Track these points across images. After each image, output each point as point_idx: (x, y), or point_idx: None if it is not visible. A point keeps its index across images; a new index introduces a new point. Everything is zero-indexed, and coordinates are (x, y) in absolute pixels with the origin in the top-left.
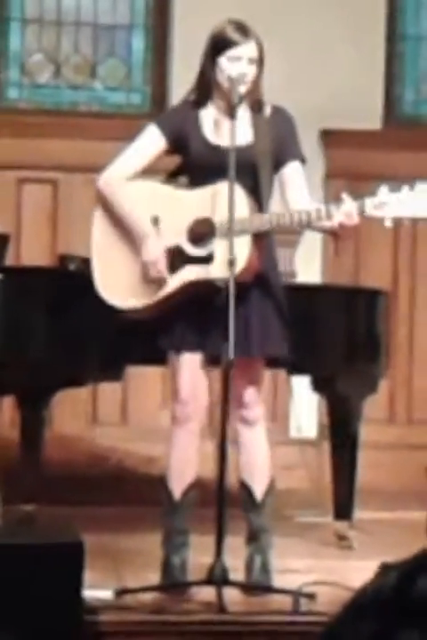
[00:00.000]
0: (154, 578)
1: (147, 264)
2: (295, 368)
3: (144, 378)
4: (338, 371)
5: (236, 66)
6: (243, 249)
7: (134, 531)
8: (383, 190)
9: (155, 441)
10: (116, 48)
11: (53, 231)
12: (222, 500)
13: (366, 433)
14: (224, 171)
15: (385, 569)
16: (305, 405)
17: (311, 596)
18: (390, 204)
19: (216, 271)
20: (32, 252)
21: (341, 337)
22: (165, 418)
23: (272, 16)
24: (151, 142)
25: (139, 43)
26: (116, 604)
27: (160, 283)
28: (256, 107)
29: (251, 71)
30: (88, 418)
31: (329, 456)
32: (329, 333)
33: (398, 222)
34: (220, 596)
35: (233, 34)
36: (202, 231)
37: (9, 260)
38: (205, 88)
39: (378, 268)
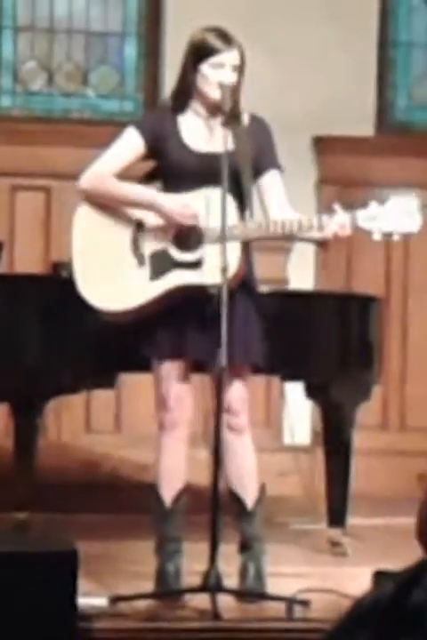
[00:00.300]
0: (148, 585)
1: (172, 209)
2: (289, 375)
3: (138, 385)
4: (331, 377)
5: (219, 73)
6: (234, 255)
7: (128, 538)
8: (374, 204)
9: (148, 448)
10: (108, 55)
11: (47, 238)
12: (216, 507)
13: (360, 439)
14: (204, 177)
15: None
16: (298, 412)
17: (305, 603)
18: (379, 218)
19: (207, 277)
20: (25, 260)
21: (334, 343)
22: None
23: (263, 23)
24: (130, 145)
25: (131, 50)
26: (110, 612)
27: (195, 218)
28: (234, 114)
29: (234, 78)
30: (82, 425)
31: (323, 463)
32: (322, 340)
33: (387, 236)
34: (214, 603)
35: (215, 41)
36: (189, 236)
37: (2, 268)
38: (185, 94)
39: (370, 274)
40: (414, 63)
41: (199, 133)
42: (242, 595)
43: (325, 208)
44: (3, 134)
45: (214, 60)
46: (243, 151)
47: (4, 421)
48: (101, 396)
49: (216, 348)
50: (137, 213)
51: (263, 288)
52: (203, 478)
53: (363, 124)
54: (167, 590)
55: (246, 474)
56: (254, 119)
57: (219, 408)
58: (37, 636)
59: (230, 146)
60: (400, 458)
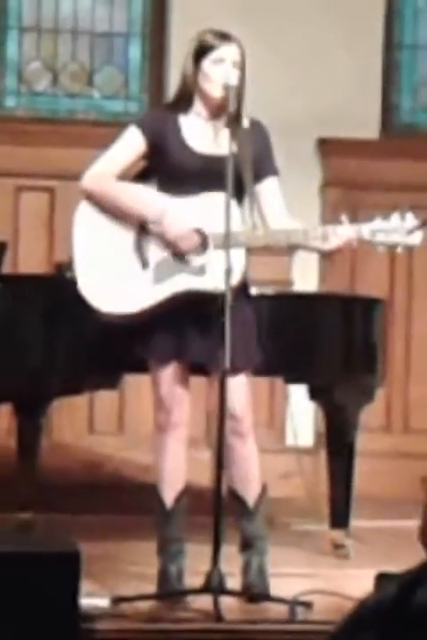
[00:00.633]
0: (150, 586)
1: (176, 239)
2: (292, 376)
3: (141, 386)
4: (335, 379)
5: (220, 68)
6: (238, 261)
7: (131, 539)
8: (378, 220)
9: (151, 449)
10: (113, 56)
11: (51, 239)
12: (219, 508)
13: (363, 441)
14: (205, 179)
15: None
16: (302, 414)
17: (308, 605)
18: (384, 232)
19: (211, 282)
20: (29, 260)
21: (337, 345)
22: None
23: (269, 25)
24: (132, 144)
25: (136, 51)
26: (112, 613)
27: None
28: (236, 116)
29: (235, 74)
30: (85, 426)
31: (326, 464)
32: (326, 342)
33: (391, 249)
34: (216, 604)
35: (214, 38)
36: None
37: (6, 268)
38: (187, 95)
39: (375, 276)
40: (420, 66)
41: (201, 135)
42: (245, 596)
43: (329, 210)
44: (7, 135)
45: (214, 55)
46: (245, 154)
47: (8, 422)
48: (104, 397)
49: (216, 350)
50: None
51: (267, 290)
52: (205, 480)
53: (368, 127)
54: (169, 591)
55: (250, 476)
56: (254, 123)
57: (222, 411)
58: (40, 636)
59: (233, 148)
60: (403, 460)
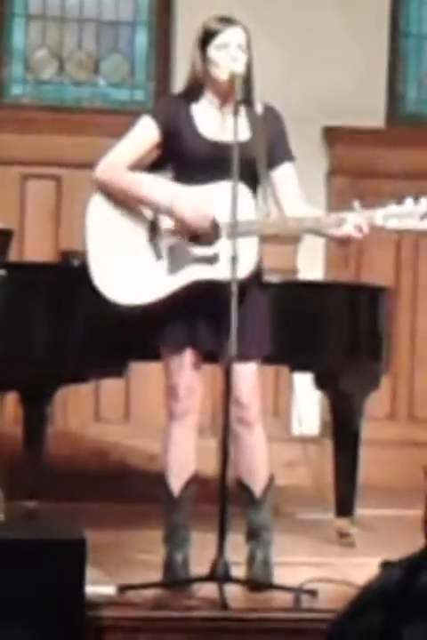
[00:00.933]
0: (156, 574)
1: (188, 219)
2: (297, 365)
3: (147, 374)
4: (340, 368)
5: (225, 53)
6: (252, 250)
7: (137, 527)
8: (392, 205)
9: (157, 437)
10: (119, 44)
11: (56, 227)
12: (225, 497)
13: (368, 430)
14: (218, 167)
15: (388, 566)
16: (307, 402)
17: (313, 593)
18: (398, 217)
19: (224, 271)
20: (35, 248)
21: (343, 334)
22: None
23: (274, 13)
24: (145, 134)
25: (142, 39)
26: (118, 600)
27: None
28: (248, 101)
29: (241, 57)
30: (91, 414)
31: (331, 453)
32: (331, 330)
33: (406, 234)
34: (222, 592)
35: (217, 23)
36: (207, 230)
37: (12, 256)
38: (197, 84)
39: (380, 264)
40: (426, 55)
41: (213, 122)
42: (250, 584)
43: (335, 199)
44: (13, 123)
45: (218, 40)
46: (259, 140)
47: (14, 410)
48: (110, 385)
49: (227, 339)
50: None
51: (273, 278)
52: (211, 468)
53: (373, 116)
54: (175, 579)
55: (256, 465)
56: (268, 109)
57: (227, 398)
58: (45, 624)
59: (246, 135)
60: (409, 448)
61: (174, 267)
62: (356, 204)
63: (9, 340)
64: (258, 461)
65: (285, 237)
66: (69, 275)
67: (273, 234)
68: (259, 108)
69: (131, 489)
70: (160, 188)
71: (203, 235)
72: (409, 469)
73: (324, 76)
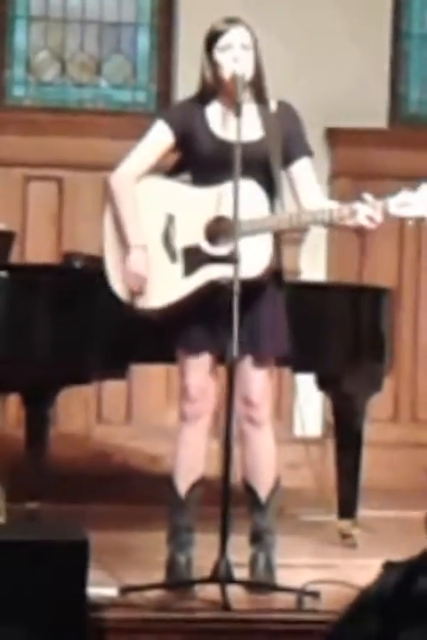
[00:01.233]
0: (158, 575)
1: (130, 273)
2: (300, 366)
3: (148, 376)
4: (343, 369)
5: (228, 54)
6: (265, 248)
7: (139, 528)
8: (404, 191)
9: (159, 439)
10: (121, 46)
11: (58, 229)
12: (227, 498)
13: (371, 431)
14: (232, 167)
15: (388, 568)
16: (310, 403)
17: (315, 595)
18: (412, 204)
19: (241, 271)
20: (37, 250)
21: (345, 335)
22: (169, 416)
23: (276, 13)
24: (159, 139)
25: (144, 41)
26: (120, 602)
27: (139, 293)
28: (261, 99)
29: (245, 56)
30: (92, 416)
31: (333, 454)
32: (334, 331)
33: (420, 221)
34: (224, 593)
35: (220, 24)
36: (220, 230)
37: (14, 258)
38: (208, 86)
39: (383, 265)
40: None
41: (227, 123)
42: (252, 586)
43: (338, 200)
44: (15, 124)
45: (222, 42)
46: (272, 138)
47: (16, 411)
48: (112, 387)
49: (241, 338)
50: (168, 207)
51: None
52: (214, 470)
53: (376, 117)
54: (177, 581)
55: (262, 466)
56: (282, 105)
57: (230, 400)
58: (48, 625)
59: (259, 134)
60: (411, 450)
61: (189, 268)
62: (366, 195)
63: (11, 342)
64: (265, 463)
65: (285, 237)
66: (71, 276)
67: (288, 230)
68: (273, 106)
69: (133, 490)
70: (134, 229)
71: (218, 233)
72: (412, 471)
73: (326, 78)
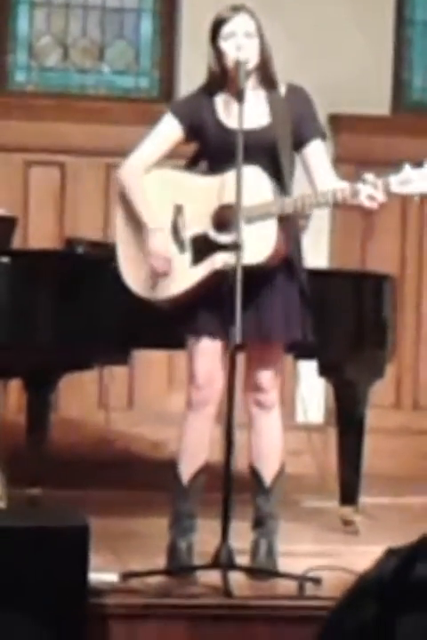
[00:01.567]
0: (160, 561)
1: (155, 255)
2: (302, 353)
3: (150, 362)
4: (345, 356)
5: (232, 42)
6: (270, 233)
7: (140, 514)
8: (407, 167)
9: (161, 425)
10: (124, 31)
11: (60, 214)
12: (229, 484)
13: (372, 418)
14: (245, 153)
15: (389, 554)
16: (311, 390)
17: (317, 581)
18: (415, 180)
19: (246, 256)
20: (39, 235)
21: (348, 322)
22: (171, 402)
23: (280, 1)
24: (169, 131)
25: (147, 26)
26: (121, 588)
27: (162, 277)
28: (269, 85)
29: (249, 43)
30: (94, 402)
31: (335, 441)
32: (336, 318)
33: (423, 198)
34: (225, 579)
35: (224, 12)
36: (227, 217)
37: (16, 243)
38: (215, 76)
39: (385, 252)
40: None
41: (232, 111)
42: (253, 572)
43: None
44: (17, 110)
45: (225, 30)
46: (280, 123)
47: (17, 397)
48: (114, 373)
49: (250, 323)
50: (176, 198)
51: None
52: (217, 456)
53: (379, 103)
54: (179, 566)
55: (268, 451)
56: (292, 88)
57: (231, 387)
58: (49, 611)
59: (266, 120)
60: (413, 437)
61: (198, 256)
62: (367, 174)
63: (13, 328)
64: (271, 446)
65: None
66: (73, 262)
67: (292, 213)
68: (282, 90)
69: (134, 476)
70: (151, 213)
71: (225, 221)
72: (413, 458)
73: (329, 64)
